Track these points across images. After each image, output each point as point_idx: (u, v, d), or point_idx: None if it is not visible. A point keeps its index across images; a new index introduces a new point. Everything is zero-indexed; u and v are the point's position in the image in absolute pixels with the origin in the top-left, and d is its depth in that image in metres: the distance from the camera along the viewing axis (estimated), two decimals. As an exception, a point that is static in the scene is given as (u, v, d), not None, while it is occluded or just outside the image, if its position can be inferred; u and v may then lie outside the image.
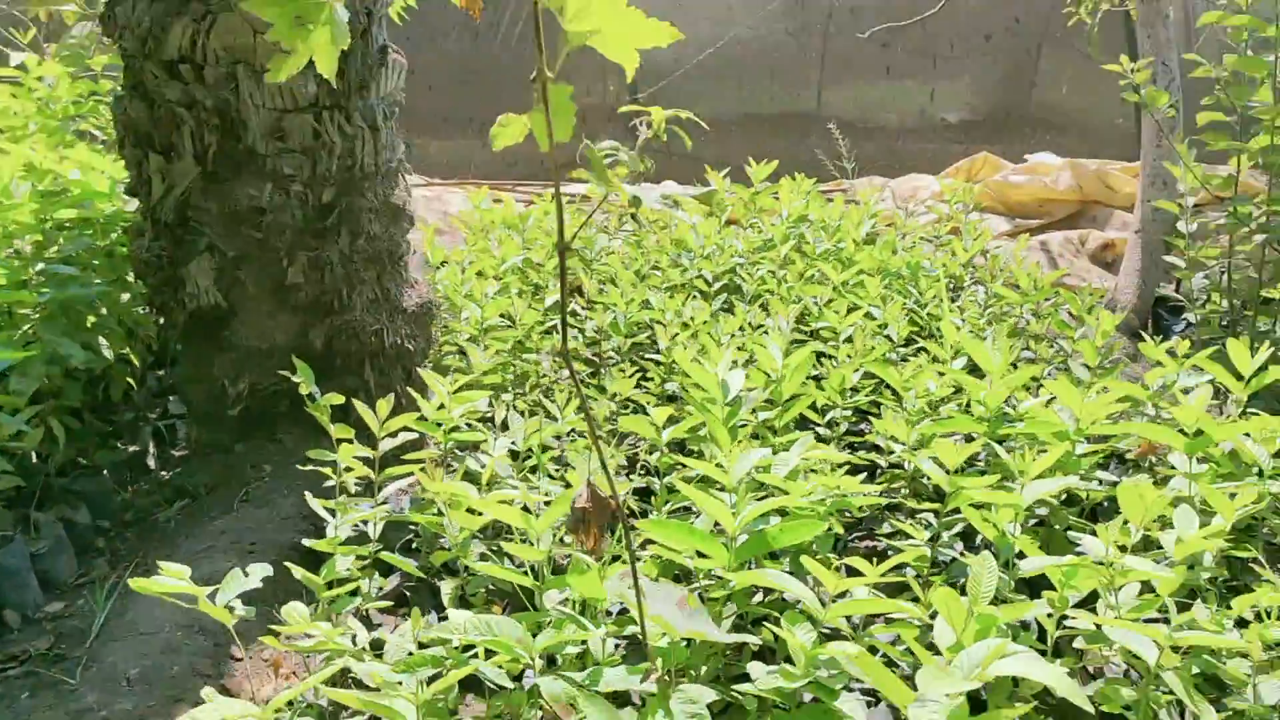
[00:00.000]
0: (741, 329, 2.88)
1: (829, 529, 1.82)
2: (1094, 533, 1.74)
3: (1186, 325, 4.06)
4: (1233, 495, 1.83)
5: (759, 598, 1.86)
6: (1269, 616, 1.68)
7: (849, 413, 2.67)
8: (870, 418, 2.63)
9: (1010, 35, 7.02)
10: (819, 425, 2.66)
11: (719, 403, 2.07)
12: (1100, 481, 2.26)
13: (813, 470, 2.18)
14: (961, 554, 2.00)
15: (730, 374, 2.12)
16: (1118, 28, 6.29)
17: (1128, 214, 5.20)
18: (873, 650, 1.79)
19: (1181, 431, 2.03)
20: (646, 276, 3.64)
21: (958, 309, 3.41)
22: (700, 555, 1.68)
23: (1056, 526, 2.03)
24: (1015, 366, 2.80)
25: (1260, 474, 1.99)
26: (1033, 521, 2.13)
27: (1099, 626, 1.41)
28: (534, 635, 1.44)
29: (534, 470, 2.36)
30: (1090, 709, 1.10)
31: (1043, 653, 1.72)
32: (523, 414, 2.60)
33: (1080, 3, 4.80)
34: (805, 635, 1.44)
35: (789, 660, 1.47)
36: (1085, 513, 2.26)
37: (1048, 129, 7.67)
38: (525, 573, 1.71)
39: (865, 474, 2.65)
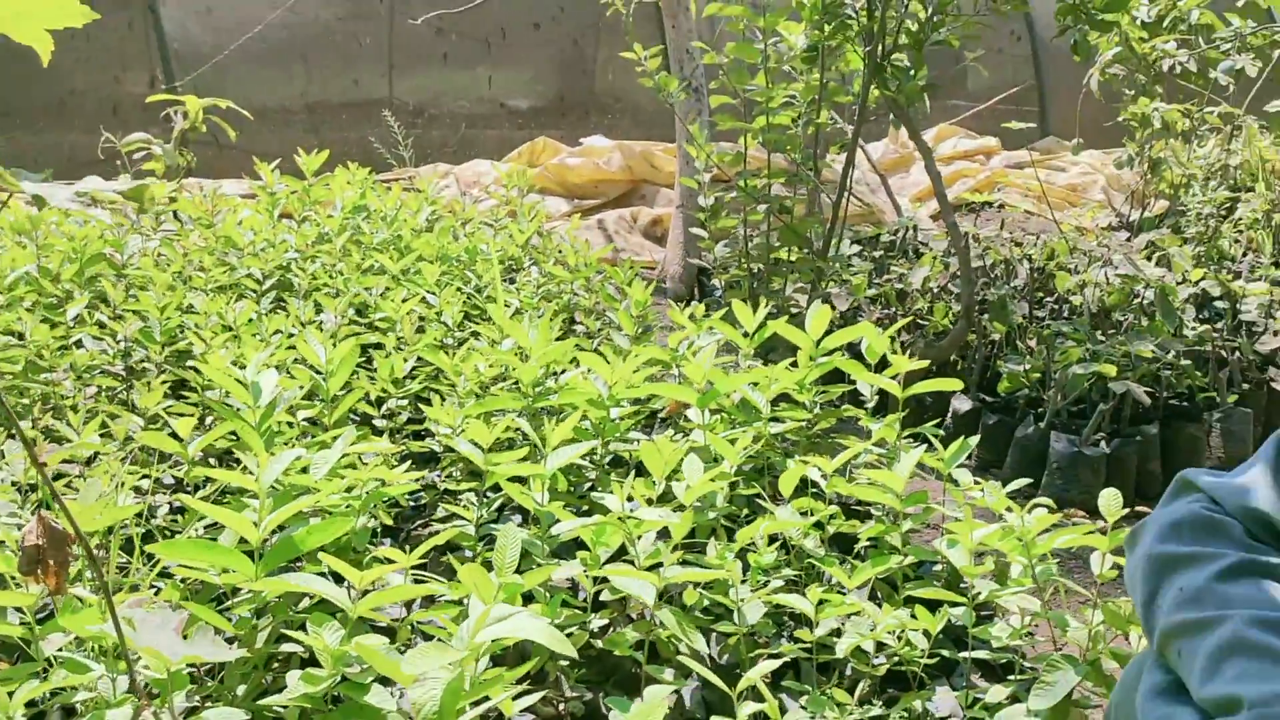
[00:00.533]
0: (281, 330, 2.77)
1: (368, 523, 1.80)
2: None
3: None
4: (733, 440, 2.05)
5: (306, 603, 1.80)
6: (767, 544, 1.91)
7: (406, 402, 2.66)
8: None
9: (556, 24, 7.32)
10: (377, 418, 2.63)
11: (250, 406, 1.97)
12: (639, 442, 2.44)
13: (366, 465, 2.15)
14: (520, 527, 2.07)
15: (261, 375, 2.02)
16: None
17: (673, 191, 5.66)
18: (427, 636, 1.80)
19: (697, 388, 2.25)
20: (189, 279, 3.38)
21: (515, 290, 3.52)
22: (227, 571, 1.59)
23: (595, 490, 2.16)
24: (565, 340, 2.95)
25: (762, 419, 2.25)
26: (588, 486, 2.26)
27: (606, 579, 1.52)
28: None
29: (48, 505, 2.11)
30: (572, 652, 1.18)
31: (584, 609, 1.83)
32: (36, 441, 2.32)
33: (615, -6, 5.12)
34: (333, 635, 1.41)
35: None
36: (629, 472, 2.43)
37: (607, 112, 8.14)
38: (22, 621, 1.53)
39: (431, 462, 2.66)
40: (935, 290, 4.00)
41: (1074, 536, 1.59)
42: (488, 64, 7.58)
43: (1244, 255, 5.05)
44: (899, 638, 1.69)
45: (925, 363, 2.25)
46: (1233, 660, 0.84)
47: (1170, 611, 0.92)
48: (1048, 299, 4.38)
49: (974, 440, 2.04)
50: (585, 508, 2.11)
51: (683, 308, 2.95)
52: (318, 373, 2.36)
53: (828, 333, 2.40)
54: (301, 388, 2.33)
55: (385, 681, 1.46)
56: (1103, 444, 2.94)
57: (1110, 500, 1.54)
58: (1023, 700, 1.53)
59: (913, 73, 3.26)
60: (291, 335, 2.77)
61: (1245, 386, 3.41)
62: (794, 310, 3.65)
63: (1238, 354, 3.53)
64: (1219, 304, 4.05)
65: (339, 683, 1.40)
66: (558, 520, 1.82)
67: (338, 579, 1.56)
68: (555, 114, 7.80)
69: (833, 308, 3.91)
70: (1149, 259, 4.62)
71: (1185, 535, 0.97)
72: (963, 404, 3.32)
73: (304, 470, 1.90)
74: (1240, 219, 4.94)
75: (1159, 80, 6.00)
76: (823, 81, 3.42)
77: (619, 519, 1.75)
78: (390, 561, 1.55)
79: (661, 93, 3.54)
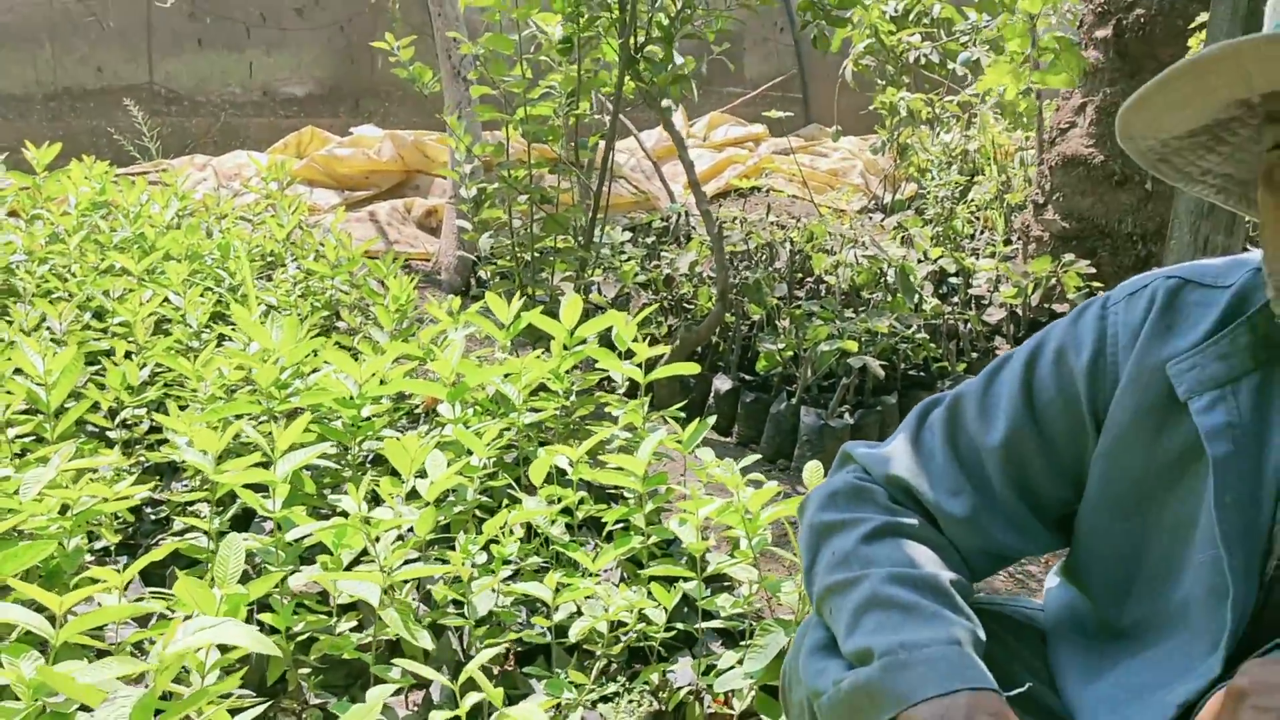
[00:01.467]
0: (2, 339, 2.57)
1: (82, 544, 1.71)
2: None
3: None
4: (480, 433, 2.06)
5: (16, 635, 1.69)
6: (515, 534, 1.94)
7: (144, 411, 2.52)
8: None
9: (321, 8, 7.08)
10: (111, 429, 2.48)
11: (-51, 426, 1.83)
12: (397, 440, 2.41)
13: (98, 480, 2.03)
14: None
15: (-39, 392, 1.87)
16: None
17: (447, 181, 5.59)
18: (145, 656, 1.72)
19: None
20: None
21: (272, 288, 3.40)
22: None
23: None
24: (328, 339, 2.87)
25: (516, 410, 2.27)
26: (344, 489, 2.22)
27: (336, 582, 1.51)
28: None
29: None
30: (275, 653, 1.18)
31: (330, 614, 1.80)
32: None
33: (379, -20, 4.99)
34: (30, 665, 1.33)
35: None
36: (388, 471, 2.40)
37: (384, 100, 7.93)
38: None
39: (175, 472, 2.54)
40: (701, 275, 4.14)
41: (787, 508, 1.70)
42: (251, 49, 7.24)
43: (980, 233, 5.48)
44: (639, 616, 1.75)
45: (667, 348, 2.33)
46: (870, 615, 0.93)
47: (824, 574, 1.00)
48: (807, 279, 4.62)
49: (710, 421, 2.13)
50: (340, 510, 2.07)
51: (462, 301, 2.94)
52: (38, 384, 2.21)
53: (582, 321, 2.45)
54: (11, 403, 2.17)
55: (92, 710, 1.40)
56: (846, 415, 3.13)
57: (812, 471, 1.65)
58: (750, 664, 1.63)
59: (664, 64, 3.35)
60: (13, 344, 2.58)
61: (974, 355, 3.71)
62: (562, 299, 3.69)
63: (968, 325, 3.83)
64: (954, 280, 4.38)
65: (45, 714, 1.33)
66: (294, 525, 1.78)
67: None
68: (325, 102, 7.54)
69: (601, 295, 3.99)
70: (899, 240, 4.95)
71: (840, 503, 1.06)
72: (724, 383, 3.45)
73: (15, 492, 1.78)
74: (973, 200, 5.35)
75: (906, 71, 6.42)
76: (579, 73, 3.46)
77: (361, 520, 1.73)
78: (98, 581, 1.47)
79: (417, 83, 3.49)
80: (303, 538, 1.77)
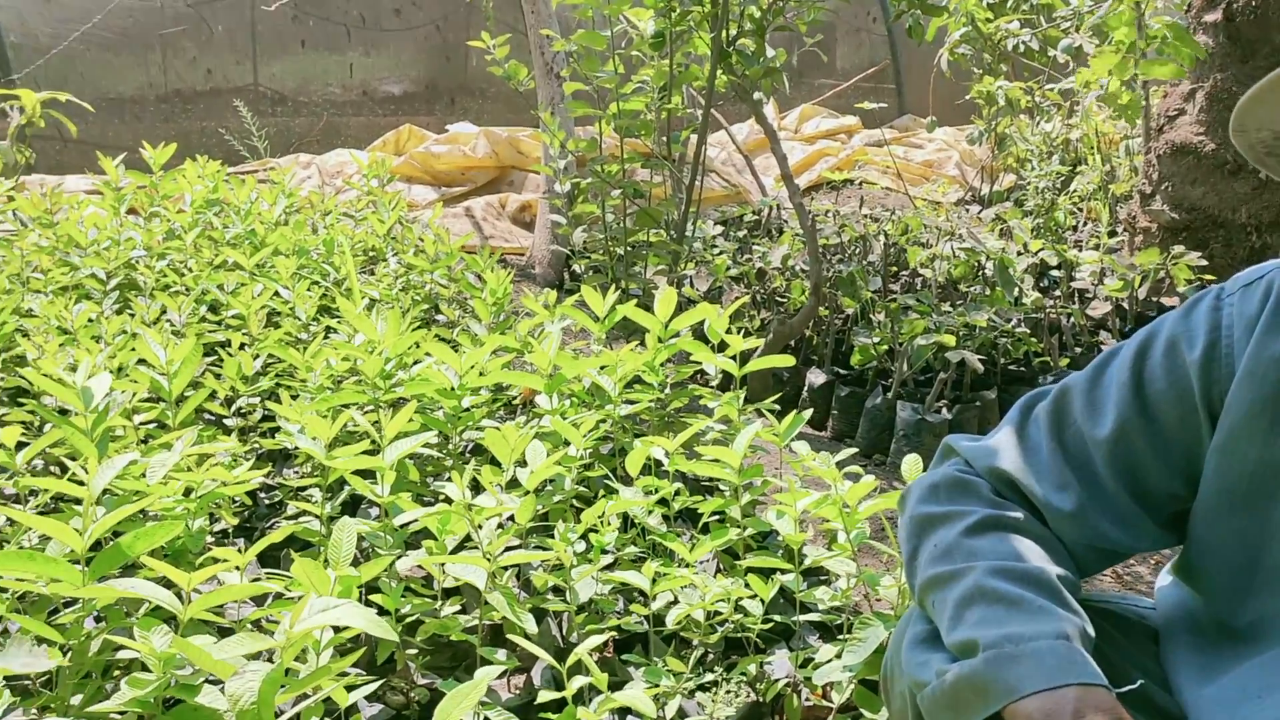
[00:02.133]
0: (126, 331, 2.70)
1: (205, 525, 1.79)
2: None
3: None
4: (577, 424, 2.10)
5: (145, 609, 1.78)
6: (612, 524, 1.97)
7: (258, 400, 2.63)
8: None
9: (418, 8, 7.23)
10: (227, 417, 2.60)
11: (81, 412, 1.93)
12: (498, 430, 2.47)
13: (217, 465, 2.13)
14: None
15: (92, 379, 1.98)
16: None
17: (540, 177, 5.67)
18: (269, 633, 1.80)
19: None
20: (28, 281, 3.26)
21: (374, 282, 3.49)
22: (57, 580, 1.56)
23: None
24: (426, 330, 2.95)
25: (612, 402, 2.31)
26: (447, 476, 2.28)
27: (442, 566, 1.55)
28: None
29: None
30: (393, 637, 1.22)
31: (434, 597, 1.85)
32: None
33: (475, -21, 5.09)
34: (162, 639, 1.41)
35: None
36: (488, 460, 2.46)
37: (478, 98, 8.07)
38: None
39: (287, 459, 2.64)
40: (794, 269, 4.13)
41: (885, 501, 1.69)
42: (351, 50, 7.44)
43: (1084, 225, 5.33)
44: (735, 606, 1.77)
45: (760, 342, 2.33)
46: (974, 607, 0.92)
47: (926, 566, 1.00)
48: (902, 273, 4.56)
49: (807, 414, 2.13)
50: (444, 497, 2.14)
51: (557, 295, 2.99)
52: (161, 374, 2.32)
53: (675, 315, 2.47)
54: (123, 392, 2.28)
55: (219, 682, 1.47)
56: (944, 410, 3.09)
57: (910, 464, 1.64)
58: (848, 657, 1.63)
59: (757, 57, 3.35)
60: (136, 336, 2.71)
61: (1078, 350, 3.62)
62: (656, 293, 3.72)
63: (1070, 319, 3.74)
64: (1056, 273, 4.27)
65: (171, 685, 1.40)
66: (402, 511, 1.84)
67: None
68: (423, 101, 7.70)
69: (694, 288, 4.00)
70: (997, 232, 4.84)
71: (941, 496, 1.05)
72: (817, 377, 3.44)
73: (142, 475, 1.88)
74: (1075, 191, 5.21)
75: (1004, 59, 6.27)
76: (671, 67, 3.48)
77: (464, 506, 1.78)
78: (220, 561, 1.54)
79: (511, 80, 3.55)
80: (409, 523, 1.83)
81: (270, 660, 1.32)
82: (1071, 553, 1.02)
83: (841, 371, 3.52)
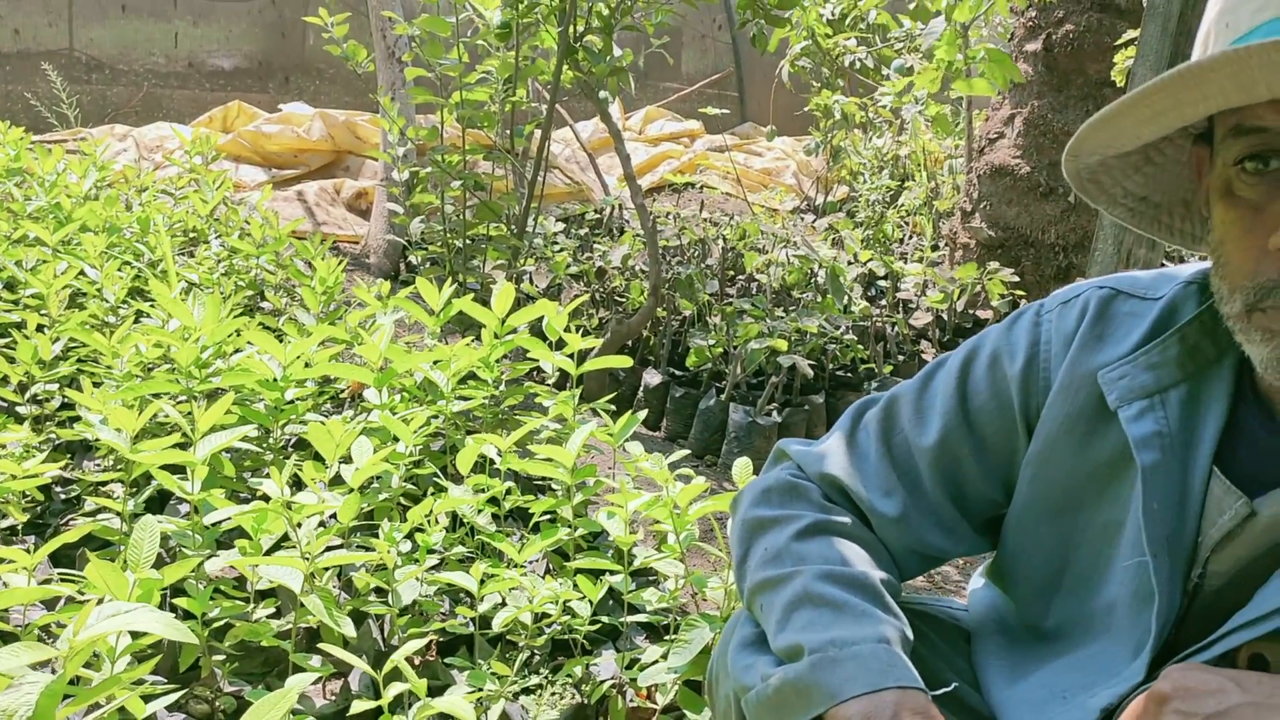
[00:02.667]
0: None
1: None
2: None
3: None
4: (407, 420, 2.03)
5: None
6: (440, 524, 1.91)
7: (57, 387, 2.44)
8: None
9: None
10: (20, 405, 2.39)
11: None
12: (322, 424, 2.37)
13: (5, 456, 1.95)
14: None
15: None
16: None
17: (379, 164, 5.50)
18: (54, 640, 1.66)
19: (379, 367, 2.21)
20: None
21: (194, 265, 3.30)
22: None
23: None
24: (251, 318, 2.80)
25: (445, 398, 2.24)
26: (265, 472, 2.16)
27: (255, 568, 1.47)
28: None
29: None
30: (193, 641, 1.14)
31: (247, 600, 1.75)
32: None
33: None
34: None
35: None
36: (311, 455, 2.35)
37: (315, 78, 7.77)
38: None
39: (87, 451, 2.46)
40: (634, 269, 4.14)
41: (715, 503, 1.70)
42: (177, 19, 7.03)
43: (910, 238, 5.57)
44: (564, 608, 1.74)
45: (600, 341, 2.32)
46: (801, 611, 0.93)
47: (756, 570, 1.01)
48: (739, 277, 4.65)
49: (641, 415, 2.13)
50: (261, 494, 2.03)
51: (391, 286, 2.89)
52: (-59, 357, 2.11)
53: (513, 311, 2.43)
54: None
55: (-4, 694, 1.34)
56: (774, 413, 3.15)
57: (741, 468, 1.66)
58: (675, 658, 1.63)
59: (604, 55, 3.34)
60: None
61: (901, 358, 3.77)
62: (494, 288, 3.66)
63: (895, 328, 3.89)
64: (882, 283, 4.45)
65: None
66: (214, 509, 1.74)
67: (-56, 586, 1.42)
68: (254, 77, 7.36)
69: (533, 285, 3.96)
70: (830, 241, 5.00)
71: (773, 500, 1.06)
72: (653, 378, 3.45)
73: (-86, 467, 1.71)
74: (903, 205, 5.44)
75: (841, 74, 6.49)
76: (517, 59, 3.43)
77: (283, 505, 1.70)
78: (6, 562, 1.41)
79: (350, 61, 3.42)
80: (221, 521, 1.72)
81: (54, 670, 1.21)
82: (894, 557, 1.04)
83: (677, 373, 3.55)
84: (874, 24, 6.61)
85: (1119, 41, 3.99)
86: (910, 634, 0.94)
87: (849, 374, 3.63)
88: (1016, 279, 4.07)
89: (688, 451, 2.19)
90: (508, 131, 3.63)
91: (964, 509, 1.04)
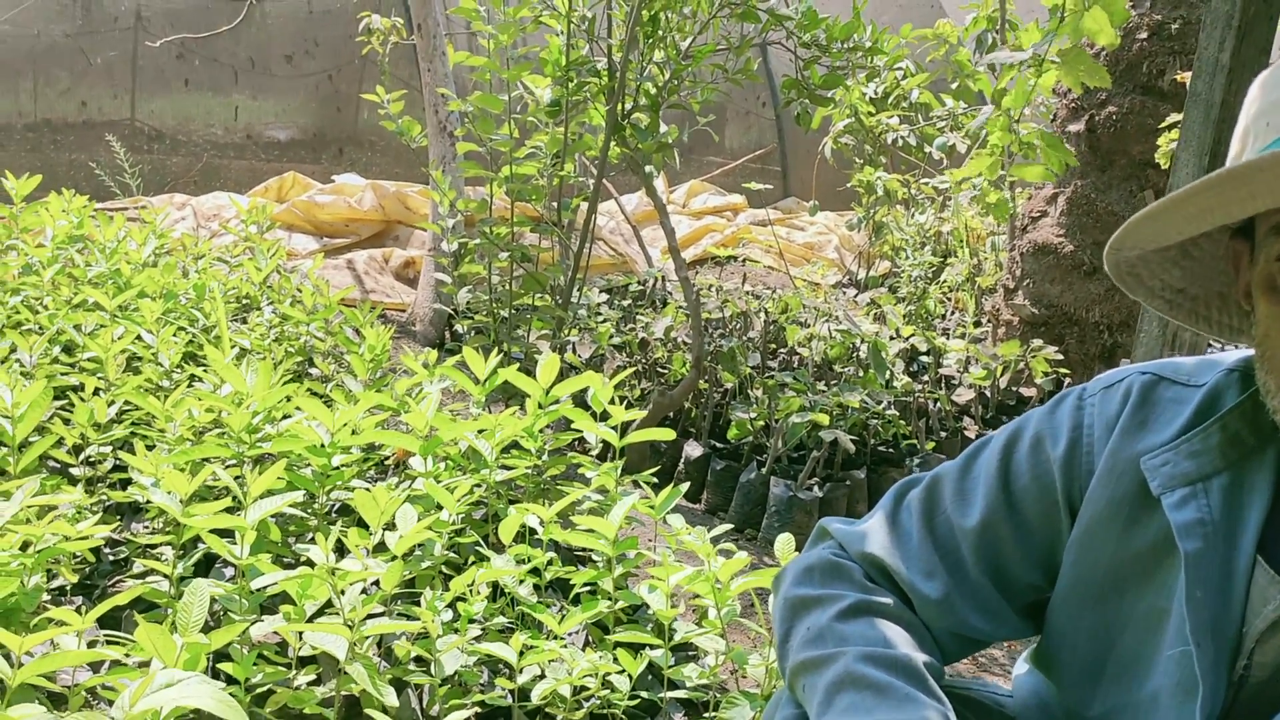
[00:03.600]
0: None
1: (41, 582, 1.67)
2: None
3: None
4: (451, 488, 2.05)
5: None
6: (482, 593, 1.92)
7: (110, 449, 2.49)
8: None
9: (310, 57, 7.15)
10: (75, 466, 2.45)
11: (-89, 455, 1.79)
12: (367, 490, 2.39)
13: (59, 517, 2.00)
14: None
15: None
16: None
17: (427, 234, 5.62)
18: (107, 701, 1.68)
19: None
20: None
21: (245, 331, 3.38)
22: None
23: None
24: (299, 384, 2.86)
25: (488, 466, 2.26)
26: (309, 538, 2.19)
27: (300, 634, 1.48)
28: None
29: None
30: (244, 717, 1.14)
31: (289, 666, 1.76)
32: None
33: (372, 33, 5.06)
34: (-19, 707, 1.30)
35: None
36: (355, 522, 2.38)
37: (366, 150, 7.98)
38: None
39: (136, 513, 2.50)
40: (676, 340, 4.17)
41: (757, 579, 1.70)
42: (237, 92, 7.28)
43: (952, 314, 5.57)
44: (603, 681, 1.74)
45: (643, 413, 2.33)
46: (843, 694, 0.93)
47: (798, 650, 1.00)
48: (781, 350, 4.66)
49: (684, 487, 2.13)
50: (305, 560, 2.05)
51: (438, 355, 2.93)
52: (4, 417, 2.17)
53: (557, 381, 2.46)
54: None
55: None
56: (815, 488, 3.14)
57: (783, 544, 1.66)
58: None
59: (650, 132, 3.41)
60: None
61: (943, 434, 3.75)
62: (538, 358, 3.70)
63: (937, 404, 3.87)
64: (924, 358, 4.43)
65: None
66: (261, 574, 1.76)
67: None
68: (309, 148, 7.57)
69: (577, 355, 4.00)
70: (872, 316, 5.01)
71: (815, 579, 1.06)
72: (694, 450, 3.46)
73: (-28, 526, 1.75)
74: (945, 281, 5.44)
75: (883, 151, 6.56)
76: (565, 135, 3.51)
77: (327, 571, 1.71)
78: (56, 623, 1.44)
79: (404, 136, 3.52)
80: (267, 586, 1.74)
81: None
82: (936, 639, 1.03)
83: (718, 445, 3.55)
84: (916, 102, 6.69)
85: (1162, 125, 4.01)
86: (954, 718, 0.93)
87: (891, 450, 3.61)
88: (1060, 357, 4.04)
89: (729, 526, 2.18)
90: (555, 204, 3.71)
91: (1006, 591, 1.04)
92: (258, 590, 1.80)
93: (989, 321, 4.94)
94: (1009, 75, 2.88)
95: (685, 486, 2.17)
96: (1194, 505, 0.90)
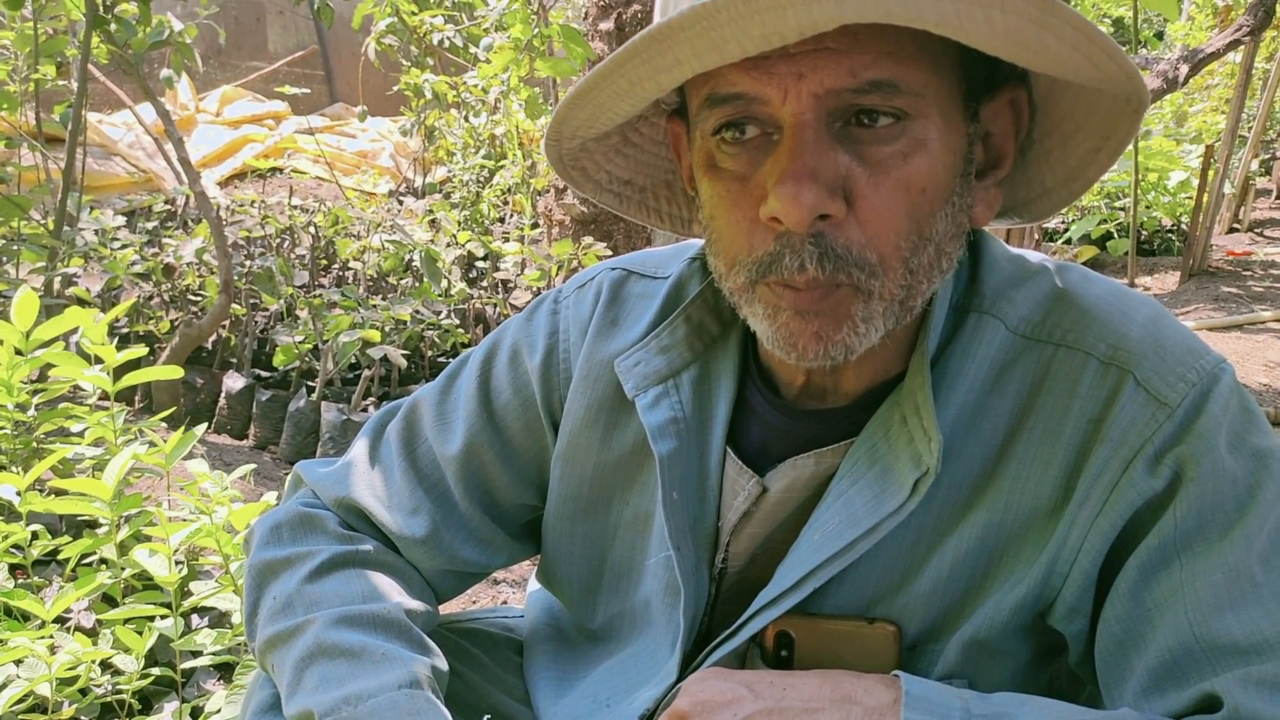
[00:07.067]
0: None
1: None
2: None
3: None
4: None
5: None
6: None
7: None
8: None
9: None
10: None
11: None
12: None
13: None
14: None
15: None
16: None
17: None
18: None
19: None
20: None
21: None
22: None
23: None
24: None
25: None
26: None
27: None
28: None
29: None
30: None
31: None
32: None
33: None
34: None
35: None
36: None
37: None
38: None
39: None
40: (209, 264, 3.76)
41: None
42: None
43: (509, 218, 5.58)
44: (103, 667, 1.50)
45: (144, 350, 2.04)
46: (313, 667, 0.80)
47: (265, 624, 0.86)
48: (334, 266, 4.40)
49: (199, 430, 1.89)
50: None
51: None
52: None
53: (44, 321, 2.07)
54: None
55: None
56: (371, 409, 2.99)
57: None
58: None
59: (142, 26, 2.97)
60: None
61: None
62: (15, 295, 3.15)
63: (496, 309, 3.85)
64: (483, 264, 4.40)
65: None
66: None
67: None
68: None
69: (85, 289, 3.48)
70: (428, 224, 4.87)
71: (284, 537, 0.92)
72: (236, 382, 3.16)
73: None
74: (499, 184, 5.43)
75: (430, 52, 6.35)
76: (35, 30, 2.96)
77: None
78: None
79: None
80: None
81: None
82: (428, 579, 0.94)
83: (264, 374, 3.27)
84: (460, 1, 6.53)
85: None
86: (444, 666, 0.84)
87: (451, 359, 3.53)
88: (610, 252, 4.17)
89: (254, 466, 1.98)
90: (33, 114, 3.14)
91: (498, 518, 0.96)
92: None
93: (544, 222, 5.00)
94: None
95: (201, 428, 1.93)
96: (666, 404, 0.85)
